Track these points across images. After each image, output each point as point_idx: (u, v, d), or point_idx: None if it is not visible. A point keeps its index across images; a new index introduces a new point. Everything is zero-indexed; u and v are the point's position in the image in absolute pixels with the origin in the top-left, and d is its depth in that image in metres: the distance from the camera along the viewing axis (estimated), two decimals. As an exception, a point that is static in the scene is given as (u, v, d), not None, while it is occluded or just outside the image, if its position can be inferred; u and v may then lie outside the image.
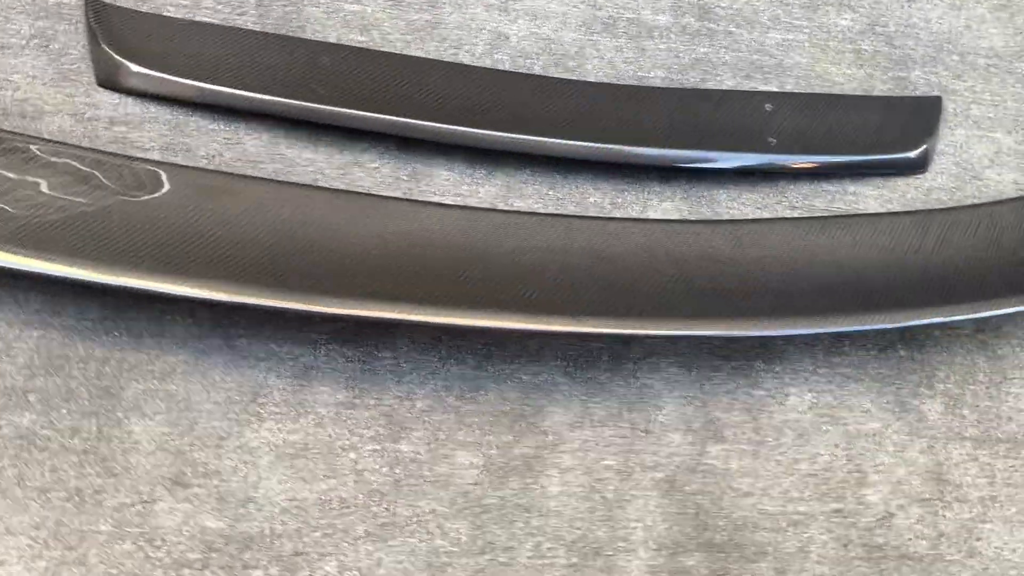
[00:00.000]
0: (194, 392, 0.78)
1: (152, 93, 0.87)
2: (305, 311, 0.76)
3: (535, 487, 0.80)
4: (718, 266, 0.85)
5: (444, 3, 0.99)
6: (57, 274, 0.72)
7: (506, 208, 0.89)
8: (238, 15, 0.93)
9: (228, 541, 0.73)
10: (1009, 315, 0.94)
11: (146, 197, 0.78)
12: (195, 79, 0.87)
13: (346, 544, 0.75)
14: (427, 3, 0.99)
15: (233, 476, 0.76)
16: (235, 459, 0.76)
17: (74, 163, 0.78)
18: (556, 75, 0.99)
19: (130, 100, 0.87)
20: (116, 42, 0.87)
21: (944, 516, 0.86)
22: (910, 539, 0.84)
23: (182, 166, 0.83)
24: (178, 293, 0.74)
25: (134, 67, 0.86)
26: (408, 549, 0.76)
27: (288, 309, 0.76)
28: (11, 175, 0.76)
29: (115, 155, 0.81)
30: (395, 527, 0.77)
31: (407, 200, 0.87)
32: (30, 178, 0.77)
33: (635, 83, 1.00)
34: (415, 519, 0.77)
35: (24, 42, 0.87)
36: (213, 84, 0.87)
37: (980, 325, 0.95)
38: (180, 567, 0.72)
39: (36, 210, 0.74)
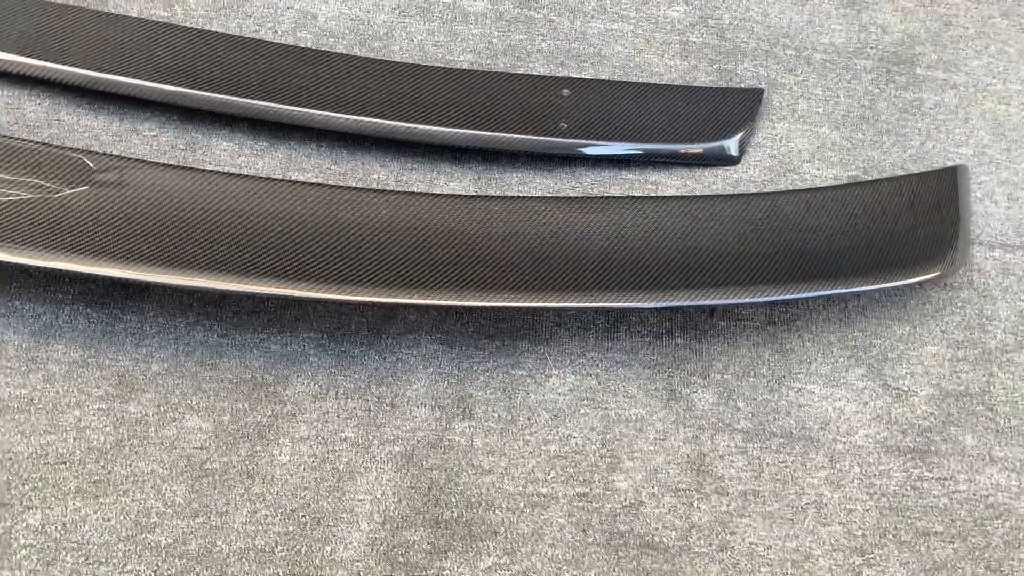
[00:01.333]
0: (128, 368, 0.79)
1: (19, 75, 0.89)
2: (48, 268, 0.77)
3: (263, 455, 0.80)
4: (486, 240, 0.84)
5: (255, -18, 1.01)
6: None
7: (274, 177, 0.90)
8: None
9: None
10: (802, 304, 0.92)
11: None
12: (49, 61, 0.89)
13: (54, 499, 0.75)
14: (238, -18, 1.01)
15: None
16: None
17: None
18: (359, 55, 1.00)
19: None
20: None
21: (699, 508, 0.83)
22: (657, 528, 0.82)
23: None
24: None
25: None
26: (119, 508, 0.76)
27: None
28: None
29: None
30: (109, 485, 0.77)
31: (173, 166, 0.87)
32: None
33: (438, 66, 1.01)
34: (131, 479, 0.77)
35: None
36: (57, 63, 0.89)
37: (772, 317, 0.93)
38: None
39: None
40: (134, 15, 0.96)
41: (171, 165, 0.86)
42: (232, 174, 0.85)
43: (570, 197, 0.93)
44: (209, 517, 0.77)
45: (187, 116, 0.92)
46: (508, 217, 0.88)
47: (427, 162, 0.95)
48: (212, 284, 0.77)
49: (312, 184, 0.87)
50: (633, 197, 0.94)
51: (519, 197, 0.92)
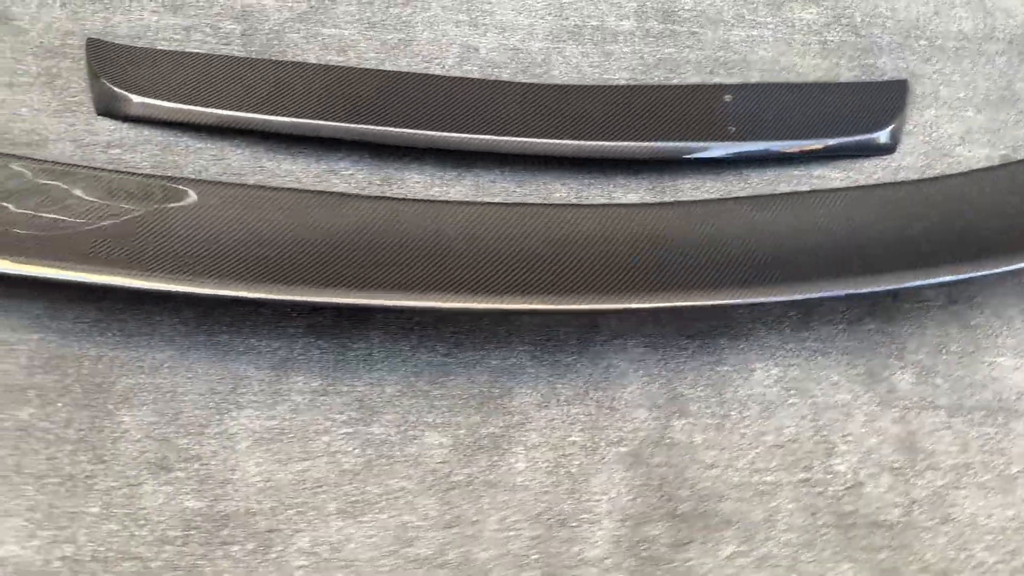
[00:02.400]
0: (179, 384, 0.83)
1: (145, 118, 0.95)
2: (282, 300, 0.82)
3: (502, 464, 0.83)
4: (673, 244, 0.88)
5: (416, 22, 1.06)
6: (57, 278, 0.80)
7: (468, 200, 0.94)
8: (224, 45, 1.01)
9: (206, 519, 0.78)
10: (980, 282, 0.95)
11: (133, 209, 0.85)
12: (182, 103, 0.95)
13: (318, 521, 0.80)
14: (400, 23, 1.06)
15: (213, 460, 0.81)
16: (215, 444, 0.81)
17: (66, 184, 0.86)
18: (530, 82, 1.05)
19: (125, 126, 0.95)
20: (112, 74, 0.96)
21: (916, 484, 0.86)
22: (881, 506, 0.85)
23: (168, 177, 0.90)
24: (168, 290, 0.80)
25: (128, 95, 0.95)
26: (378, 524, 0.80)
27: (268, 300, 0.82)
28: (19, 195, 0.85)
29: (102, 170, 0.89)
30: (366, 504, 0.81)
31: (377, 197, 0.92)
32: (31, 199, 0.85)
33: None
34: (385, 496, 0.81)
35: (32, 80, 0.96)
36: (198, 106, 0.94)
37: (953, 296, 0.96)
38: (162, 544, 0.77)
39: (31, 226, 0.82)
40: (313, 62, 1.01)
41: (382, 197, 0.91)
42: (438, 201, 0.91)
43: (749, 196, 0.97)
44: (463, 527, 0.80)
45: (376, 153, 0.97)
46: (693, 220, 0.92)
47: (603, 177, 1.00)
48: (443, 304, 0.82)
49: (516, 204, 0.92)
50: (807, 192, 0.98)
51: (700, 200, 0.96)
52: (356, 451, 0.83)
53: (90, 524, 0.77)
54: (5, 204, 0.83)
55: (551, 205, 0.94)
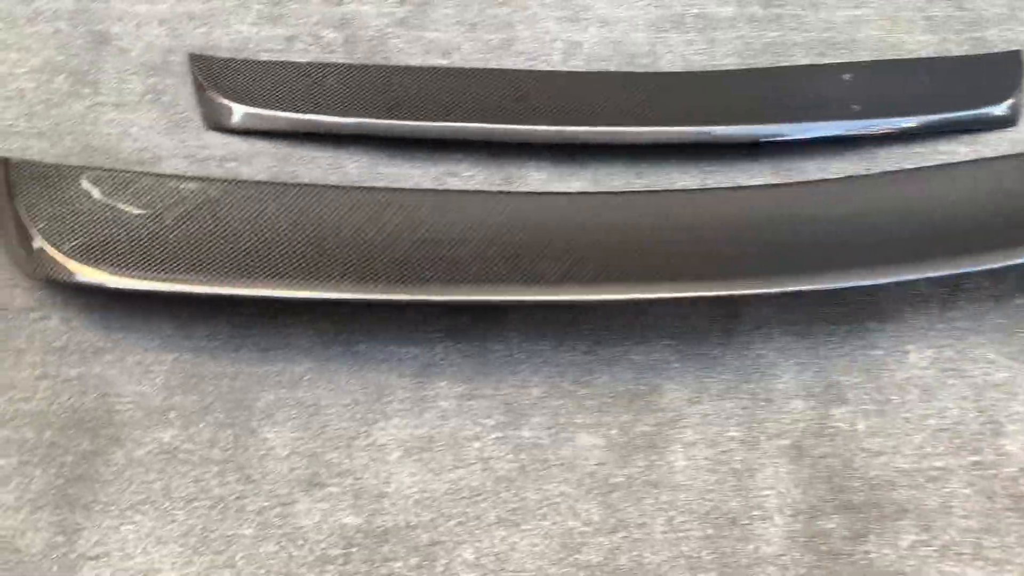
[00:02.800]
0: (322, 397, 0.80)
1: (256, 130, 0.93)
2: (430, 301, 0.79)
3: (661, 463, 0.80)
4: (810, 226, 0.85)
5: (516, 21, 1.04)
6: (196, 291, 0.77)
7: (594, 190, 0.91)
8: (328, 54, 0.99)
9: (366, 535, 0.75)
10: None
11: (251, 215, 0.83)
12: (295, 112, 0.93)
13: (480, 531, 0.76)
14: (500, 23, 1.04)
15: (365, 473, 0.78)
16: (366, 457, 0.78)
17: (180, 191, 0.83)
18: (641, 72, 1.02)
19: (237, 139, 0.93)
20: (220, 87, 0.94)
21: (1093, 460, 0.82)
22: (1059, 486, 0.81)
23: (283, 184, 0.88)
24: (310, 297, 0.78)
25: (238, 107, 0.93)
26: (542, 532, 0.76)
27: (414, 301, 0.79)
28: (133, 208, 0.82)
29: (215, 180, 0.87)
30: (526, 511, 0.77)
31: (501, 192, 0.90)
32: (145, 210, 0.82)
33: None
34: (545, 502, 0.78)
35: (138, 98, 0.94)
36: (313, 114, 0.92)
37: (1101, 267, 0.92)
38: (323, 564, 0.74)
39: (157, 237, 0.80)
40: (417, 64, 0.99)
41: (507, 192, 0.89)
42: (563, 193, 0.88)
43: (883, 172, 0.94)
44: (629, 530, 0.77)
45: (494, 153, 0.94)
46: (829, 198, 0.89)
47: (724, 163, 0.97)
48: (588, 297, 0.79)
49: (645, 192, 0.89)
50: (940, 165, 0.95)
51: (834, 178, 0.93)
52: (509, 456, 0.79)
53: (247, 547, 0.74)
54: (134, 218, 0.81)
55: (682, 191, 0.91)
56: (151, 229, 0.79)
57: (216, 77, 0.95)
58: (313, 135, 0.93)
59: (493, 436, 0.80)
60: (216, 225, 0.81)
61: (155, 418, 0.78)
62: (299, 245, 0.80)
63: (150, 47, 0.97)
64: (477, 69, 0.98)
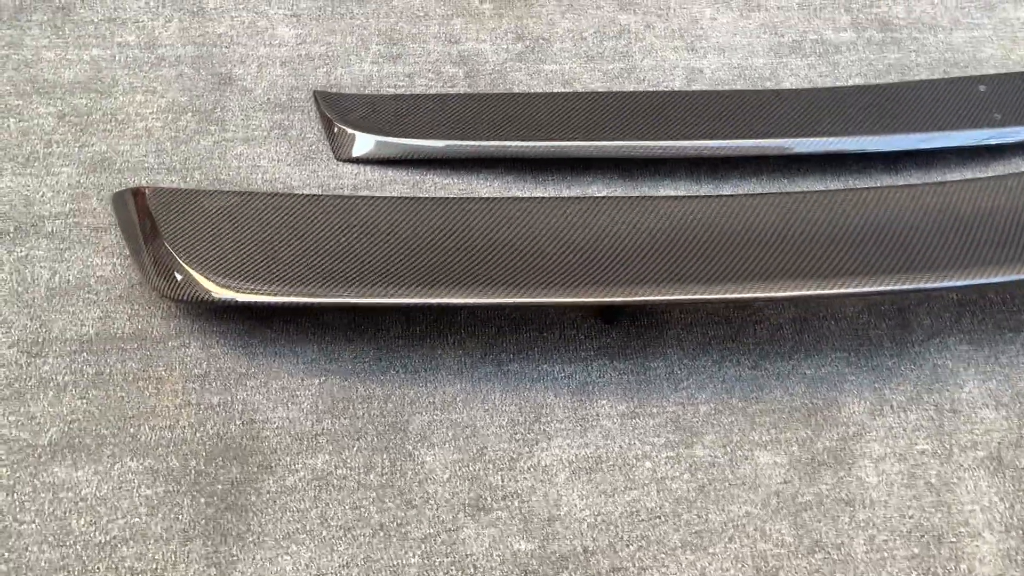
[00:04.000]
0: (477, 418, 0.75)
1: (387, 159, 0.91)
2: (591, 302, 0.75)
3: (850, 479, 0.73)
4: (993, 219, 0.81)
5: (634, 52, 1.03)
6: (347, 302, 0.74)
7: (747, 192, 0.88)
8: (450, 87, 0.99)
9: (541, 562, 0.68)
10: None
11: (389, 227, 0.80)
12: (424, 139, 0.91)
13: (664, 555, 0.69)
14: (618, 54, 1.03)
15: (532, 496, 0.72)
16: (531, 479, 0.72)
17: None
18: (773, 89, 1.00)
19: (368, 169, 0.91)
20: (347, 120, 0.92)
21: None
22: None
23: (426, 198, 0.85)
24: (467, 303, 0.74)
25: (367, 137, 0.91)
26: (731, 555, 0.70)
27: (575, 303, 0.76)
28: (270, 227, 0.80)
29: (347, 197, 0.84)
30: (712, 533, 0.71)
31: (648, 197, 0.86)
32: (282, 228, 0.80)
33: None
34: (731, 524, 0.71)
35: (265, 133, 0.93)
36: (443, 140, 0.90)
37: None
38: (499, 592, 0.67)
39: (297, 252, 0.77)
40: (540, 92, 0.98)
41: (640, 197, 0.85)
42: (714, 196, 0.84)
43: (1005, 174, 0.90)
44: (827, 551, 0.70)
45: (625, 172, 0.92)
46: (987, 195, 0.85)
47: (865, 174, 0.93)
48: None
49: (797, 193, 0.85)
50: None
51: (985, 177, 0.89)
52: (685, 476, 0.73)
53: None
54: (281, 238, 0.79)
55: (826, 191, 0.87)
56: (291, 246, 0.77)
57: (342, 111, 0.94)
58: (444, 162, 0.91)
59: (665, 455, 0.74)
60: (362, 237, 0.78)
61: (305, 443, 0.73)
62: (449, 254, 0.77)
63: (273, 86, 0.97)
64: (603, 92, 0.97)
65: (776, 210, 0.82)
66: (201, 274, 0.76)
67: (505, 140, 0.90)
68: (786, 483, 0.73)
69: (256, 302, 0.75)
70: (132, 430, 0.73)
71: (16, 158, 0.88)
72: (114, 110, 0.93)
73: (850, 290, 0.74)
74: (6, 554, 0.67)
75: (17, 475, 0.70)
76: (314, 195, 0.85)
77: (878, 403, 0.78)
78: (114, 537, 0.68)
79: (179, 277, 0.76)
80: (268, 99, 0.96)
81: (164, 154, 0.91)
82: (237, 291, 0.75)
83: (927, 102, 0.95)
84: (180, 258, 0.78)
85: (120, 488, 0.70)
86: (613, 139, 0.90)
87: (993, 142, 0.93)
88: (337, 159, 0.92)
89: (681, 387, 0.78)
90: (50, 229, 0.83)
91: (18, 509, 0.69)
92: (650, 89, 1.00)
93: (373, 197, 0.84)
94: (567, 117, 0.93)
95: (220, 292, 0.75)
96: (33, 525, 0.68)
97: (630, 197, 0.85)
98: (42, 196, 0.85)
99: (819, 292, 0.73)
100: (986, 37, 1.07)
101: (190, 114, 0.94)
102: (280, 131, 0.94)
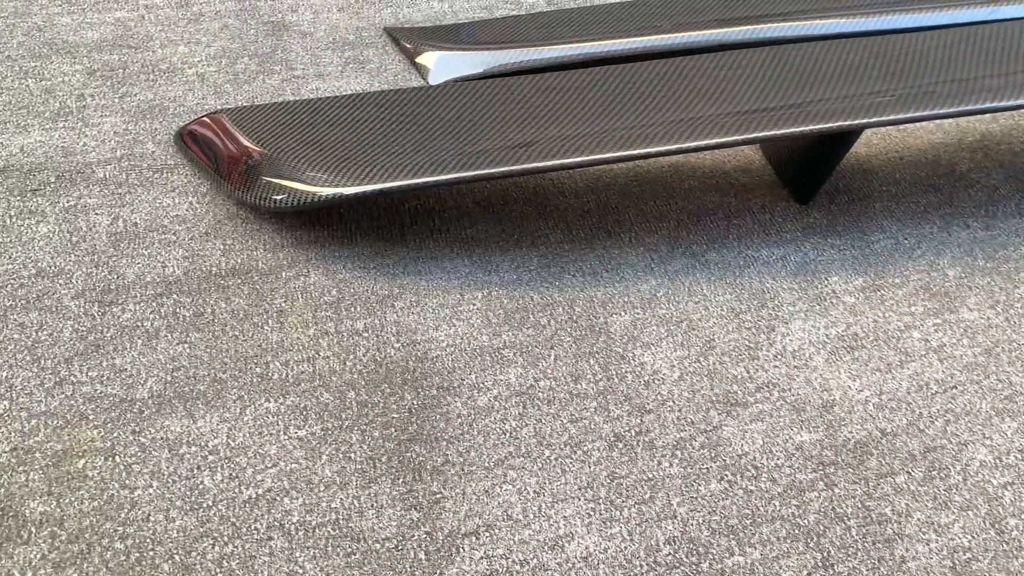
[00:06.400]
0: (691, 311, 0.60)
1: (488, 74, 0.78)
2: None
3: None
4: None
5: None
6: (472, 175, 0.58)
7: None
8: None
9: (838, 452, 0.52)
10: None
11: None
12: (516, 48, 0.79)
13: (979, 426, 0.54)
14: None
15: (793, 383, 0.56)
16: (783, 366, 0.57)
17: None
18: None
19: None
20: (434, 47, 0.80)
21: None
22: None
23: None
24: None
25: (461, 55, 0.79)
26: (1058, 416, 0.55)
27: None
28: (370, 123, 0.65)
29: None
30: (1024, 397, 0.56)
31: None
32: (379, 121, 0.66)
33: None
34: (1041, 383, 0.57)
35: (340, 68, 0.79)
36: (537, 46, 0.79)
37: None
38: (800, 493, 0.50)
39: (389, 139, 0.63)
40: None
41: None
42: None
43: None
44: None
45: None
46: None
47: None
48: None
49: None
50: None
51: None
52: (964, 341, 0.58)
53: (682, 489, 0.50)
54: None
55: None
56: (394, 138, 0.62)
57: (424, 40, 0.81)
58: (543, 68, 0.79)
59: (932, 323, 0.60)
60: (466, 119, 0.64)
61: (489, 359, 0.56)
62: (553, 119, 0.63)
63: (335, 28, 0.84)
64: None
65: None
66: (299, 182, 0.61)
67: (588, 42, 0.79)
68: (1082, 336, 0.60)
69: (367, 192, 0.59)
70: (259, 370, 0.55)
71: (43, 114, 0.72)
72: (155, 62, 0.79)
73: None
74: (121, 528, 0.47)
75: (115, 435, 0.51)
76: (411, 87, 0.71)
77: None
78: (269, 490, 0.49)
79: (280, 187, 0.61)
80: (333, 39, 0.83)
81: (225, 95, 0.76)
82: (342, 187, 0.59)
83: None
84: (275, 169, 0.62)
85: (261, 434, 0.52)
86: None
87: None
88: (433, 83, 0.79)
89: (916, 255, 0.65)
90: (102, 175, 0.67)
91: (126, 474, 0.49)
92: None
93: (475, 82, 0.71)
94: (648, 18, 0.83)
95: (325, 191, 0.59)
96: (150, 490, 0.49)
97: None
98: (84, 146, 0.69)
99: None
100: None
101: (247, 58, 0.80)
102: (357, 64, 0.80)
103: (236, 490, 0.49)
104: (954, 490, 0.51)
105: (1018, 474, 0.52)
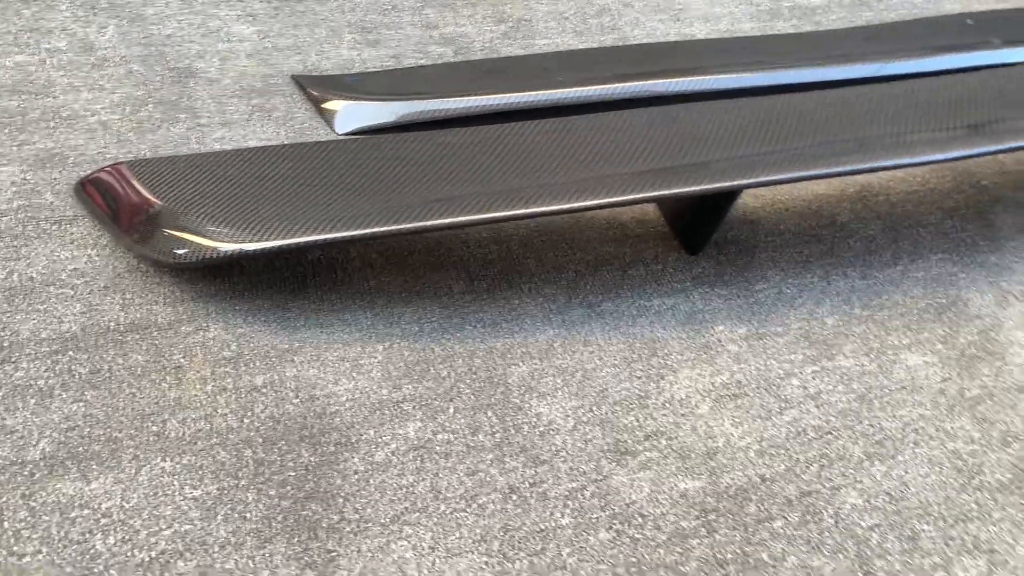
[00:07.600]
0: (585, 361, 0.62)
1: (394, 125, 0.80)
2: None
3: (1010, 367, 0.65)
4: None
5: (622, 25, 0.98)
6: (379, 231, 0.60)
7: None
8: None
9: (719, 499, 0.55)
10: None
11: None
12: (429, 99, 0.81)
13: (852, 470, 0.57)
14: (607, 28, 0.97)
15: (679, 431, 0.58)
16: (671, 414, 0.59)
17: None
18: None
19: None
20: (341, 97, 0.81)
21: None
22: None
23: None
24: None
25: (369, 106, 0.80)
26: (924, 459, 0.58)
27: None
28: (272, 180, 0.66)
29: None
30: (894, 441, 0.59)
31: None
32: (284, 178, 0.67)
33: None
34: (909, 428, 0.60)
35: (246, 116, 0.79)
36: (449, 98, 0.81)
37: None
38: (683, 539, 0.52)
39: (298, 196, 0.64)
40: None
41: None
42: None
43: None
44: (1022, 440, 0.60)
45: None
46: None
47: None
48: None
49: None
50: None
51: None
52: (840, 388, 0.62)
53: (571, 539, 0.52)
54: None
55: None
56: (297, 193, 0.64)
57: (330, 89, 0.83)
58: (456, 120, 0.81)
59: (810, 370, 0.64)
60: (371, 175, 0.66)
61: (388, 412, 0.57)
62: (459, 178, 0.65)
63: (243, 75, 0.84)
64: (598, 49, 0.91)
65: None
66: (201, 236, 0.61)
67: (510, 93, 0.82)
68: (946, 380, 0.64)
69: (269, 248, 0.60)
70: (155, 428, 0.55)
71: (-66, 164, 0.71)
72: (56, 108, 0.78)
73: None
74: (7, 597, 0.47)
75: (4, 500, 0.51)
76: (314, 142, 0.73)
77: (1001, 295, 0.71)
78: (162, 552, 0.49)
79: (181, 240, 0.61)
80: (240, 87, 0.83)
81: (128, 144, 0.76)
82: (244, 242, 0.60)
83: (925, 32, 0.95)
84: (177, 222, 0.62)
85: (156, 494, 0.52)
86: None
87: (996, 61, 0.93)
88: (338, 134, 0.80)
89: (797, 303, 0.68)
90: (-4, 228, 0.66)
91: (14, 540, 0.49)
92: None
93: (376, 136, 0.72)
94: (586, 69, 0.86)
95: (227, 247, 0.60)
96: (40, 556, 0.48)
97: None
98: (-23, 197, 0.68)
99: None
100: (942, -6, 1.10)
101: (151, 105, 0.80)
102: (263, 113, 0.81)
103: (129, 553, 0.49)
104: (826, 533, 0.54)
105: (884, 516, 0.55)
